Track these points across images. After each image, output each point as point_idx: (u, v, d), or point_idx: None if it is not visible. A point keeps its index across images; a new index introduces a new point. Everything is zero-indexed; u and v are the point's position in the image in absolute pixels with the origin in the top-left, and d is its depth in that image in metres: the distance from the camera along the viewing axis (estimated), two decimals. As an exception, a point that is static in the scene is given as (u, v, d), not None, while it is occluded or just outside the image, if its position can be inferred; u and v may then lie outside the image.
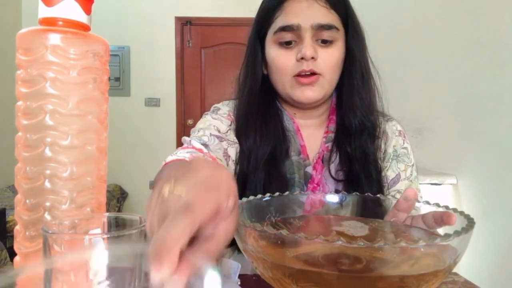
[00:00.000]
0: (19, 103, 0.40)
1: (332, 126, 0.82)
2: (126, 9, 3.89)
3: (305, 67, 0.72)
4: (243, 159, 0.77)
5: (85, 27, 0.42)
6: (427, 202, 0.46)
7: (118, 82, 3.91)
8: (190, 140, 0.75)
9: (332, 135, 0.81)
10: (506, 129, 1.51)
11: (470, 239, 0.34)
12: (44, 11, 0.40)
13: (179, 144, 0.89)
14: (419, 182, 0.86)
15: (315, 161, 0.80)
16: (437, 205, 0.45)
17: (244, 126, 0.79)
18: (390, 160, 0.81)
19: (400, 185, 0.80)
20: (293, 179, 0.77)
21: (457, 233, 0.32)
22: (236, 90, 0.84)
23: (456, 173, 1.80)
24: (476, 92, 1.69)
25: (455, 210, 0.42)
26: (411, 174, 0.81)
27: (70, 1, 0.40)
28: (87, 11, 0.42)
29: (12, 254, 0.42)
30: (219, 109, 0.85)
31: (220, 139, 0.78)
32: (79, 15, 0.41)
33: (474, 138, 1.70)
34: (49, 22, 0.40)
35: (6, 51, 2.58)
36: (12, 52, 0.43)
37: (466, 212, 0.40)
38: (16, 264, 0.41)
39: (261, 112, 0.79)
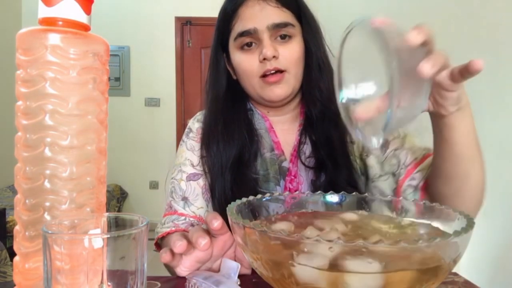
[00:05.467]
0: (19, 103, 0.40)
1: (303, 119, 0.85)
2: (126, 9, 3.89)
3: (269, 66, 0.76)
4: (210, 167, 0.81)
5: (85, 27, 0.42)
6: (427, 202, 0.46)
7: (118, 82, 3.91)
8: (171, 203, 0.81)
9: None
10: (506, 129, 1.51)
11: (470, 239, 0.34)
12: (44, 11, 0.40)
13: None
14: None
15: (291, 154, 0.83)
16: (437, 204, 0.45)
17: (207, 136, 0.83)
18: None
19: (392, 145, 0.79)
20: (267, 175, 0.81)
21: (457, 233, 0.32)
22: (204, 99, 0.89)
23: (456, 173, 1.79)
24: (476, 92, 1.68)
25: (454, 209, 0.42)
26: (399, 135, 0.80)
27: (70, 1, 0.40)
28: (87, 11, 0.42)
29: (12, 254, 0.42)
30: (190, 130, 0.89)
31: (196, 177, 0.83)
32: (79, 15, 0.41)
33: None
34: (49, 22, 0.40)
35: (6, 51, 2.58)
36: (12, 52, 0.43)
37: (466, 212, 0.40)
38: (16, 264, 0.41)
39: (223, 120, 0.82)
